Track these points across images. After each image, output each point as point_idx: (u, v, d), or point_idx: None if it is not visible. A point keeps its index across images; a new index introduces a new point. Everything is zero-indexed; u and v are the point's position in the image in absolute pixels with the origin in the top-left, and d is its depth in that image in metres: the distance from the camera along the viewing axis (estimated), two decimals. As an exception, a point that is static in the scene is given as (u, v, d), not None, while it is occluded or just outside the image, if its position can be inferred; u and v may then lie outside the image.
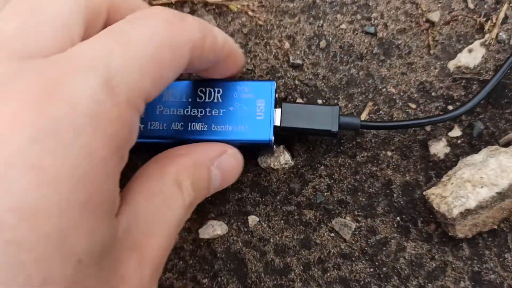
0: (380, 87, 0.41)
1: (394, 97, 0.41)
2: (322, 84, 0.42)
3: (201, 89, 0.30)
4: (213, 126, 0.30)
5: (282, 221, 0.40)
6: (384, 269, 0.39)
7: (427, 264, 0.38)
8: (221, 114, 0.30)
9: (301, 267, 0.39)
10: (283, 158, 0.40)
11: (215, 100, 0.30)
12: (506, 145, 0.40)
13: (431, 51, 0.42)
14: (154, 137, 0.29)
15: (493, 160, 0.38)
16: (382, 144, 0.40)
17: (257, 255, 0.40)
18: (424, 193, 0.39)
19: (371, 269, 0.39)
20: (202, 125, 0.29)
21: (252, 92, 0.30)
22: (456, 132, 0.40)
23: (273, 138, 0.32)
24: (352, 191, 0.40)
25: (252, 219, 0.40)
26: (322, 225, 0.40)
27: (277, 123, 0.32)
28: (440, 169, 0.40)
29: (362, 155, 0.40)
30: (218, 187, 0.29)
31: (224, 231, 0.40)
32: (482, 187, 0.36)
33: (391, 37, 0.42)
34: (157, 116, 0.29)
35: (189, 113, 0.29)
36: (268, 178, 0.41)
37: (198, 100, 0.29)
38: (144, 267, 0.22)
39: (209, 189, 0.28)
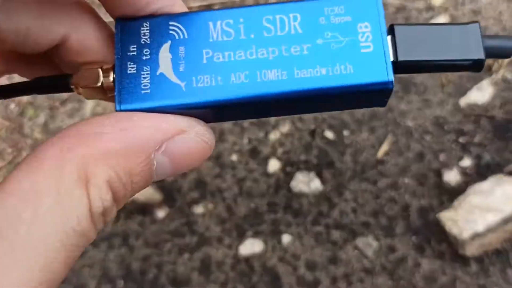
0: (398, 121, 0.47)
1: (411, 130, 0.47)
2: (348, 117, 0.47)
3: (267, 18, 0.19)
4: (295, 71, 0.19)
5: (312, 240, 0.46)
6: (402, 282, 0.44)
7: (440, 278, 0.44)
8: (305, 52, 0.19)
9: (328, 280, 0.45)
10: (313, 184, 0.45)
11: (293, 32, 0.19)
12: (510, 173, 0.45)
13: (444, 89, 0.47)
14: (204, 100, 0.19)
15: (499, 189, 0.43)
16: (401, 172, 0.46)
17: (290, 269, 0.45)
18: (437, 216, 0.44)
19: (391, 282, 0.44)
20: (277, 72, 0.19)
21: (348, 12, 0.20)
22: (466, 162, 0.46)
23: (393, 79, 0.20)
24: (374, 213, 0.46)
25: (286, 238, 0.46)
26: (347, 244, 0.45)
27: (392, 57, 0.20)
28: (452, 194, 0.45)
29: (382, 181, 0.46)
30: (168, 174, 0.20)
31: (261, 248, 0.46)
32: (488, 212, 0.42)
33: (408, 76, 0.48)
34: (205, 67, 0.19)
35: (254, 56, 0.19)
36: (300, 201, 0.46)
37: (266, 34, 0.19)
38: None
39: (149, 181, 0.19)
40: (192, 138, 0.19)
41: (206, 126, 0.20)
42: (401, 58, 0.19)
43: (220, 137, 0.48)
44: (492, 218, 0.42)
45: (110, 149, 0.17)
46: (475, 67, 0.19)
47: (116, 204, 0.17)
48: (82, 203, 0.16)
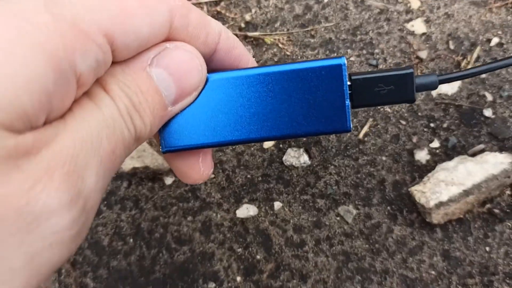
0: (379, 107, 0.54)
1: (389, 115, 0.54)
2: (334, 102, 0.54)
3: (257, 84, 0.26)
4: (278, 120, 0.27)
5: (300, 207, 0.52)
6: (377, 245, 0.51)
7: (409, 243, 0.51)
8: (286, 107, 0.27)
9: (313, 242, 0.51)
10: (302, 159, 0.52)
11: (277, 94, 0.26)
12: (473, 155, 0.52)
13: (419, 81, 0.54)
14: (211, 142, 0.27)
15: (462, 166, 0.50)
16: (379, 151, 0.53)
17: (280, 232, 0.52)
18: (409, 189, 0.51)
19: (367, 245, 0.51)
20: (264, 121, 0.27)
21: (319, 78, 0.26)
22: (435, 144, 0.53)
23: (351, 126, 0.29)
24: (354, 186, 0.52)
25: (277, 205, 0.52)
26: (330, 211, 0.52)
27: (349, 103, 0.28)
28: (423, 171, 0.52)
29: (363, 158, 0.53)
30: (178, 91, 0.23)
31: (255, 213, 0.52)
32: (452, 185, 0.49)
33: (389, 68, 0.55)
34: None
35: (246, 112, 0.27)
36: (290, 173, 0.53)
37: (257, 96, 0.26)
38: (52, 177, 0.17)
39: (160, 94, 0.22)
40: (174, 50, 0.23)
41: (181, 42, 0.23)
42: (356, 103, 0.28)
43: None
44: (455, 190, 0.48)
45: (115, 72, 0.21)
46: (410, 102, 0.29)
47: (140, 115, 0.21)
48: (108, 100, 0.20)
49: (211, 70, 0.26)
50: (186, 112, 0.25)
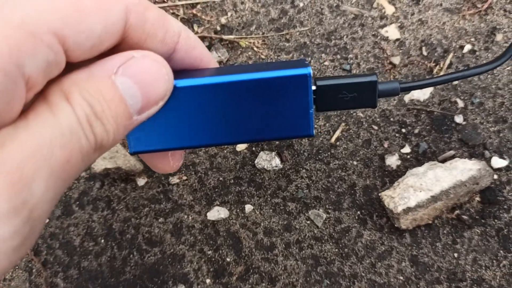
0: (351, 112, 0.54)
1: (361, 120, 0.54)
2: (307, 107, 0.54)
3: (224, 91, 0.27)
4: (243, 126, 0.27)
5: (271, 210, 0.52)
6: (346, 250, 0.51)
7: (378, 248, 0.51)
8: (251, 113, 0.27)
9: (283, 245, 0.51)
10: (274, 162, 0.52)
11: (243, 101, 0.27)
12: (443, 161, 0.52)
13: (392, 86, 0.55)
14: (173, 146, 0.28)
15: (431, 172, 0.50)
16: (350, 156, 0.53)
17: (250, 235, 0.52)
18: (379, 194, 0.51)
19: (336, 250, 0.51)
20: (229, 127, 0.27)
21: (285, 86, 0.26)
22: (406, 149, 0.53)
23: (314, 132, 0.30)
24: (325, 190, 0.52)
25: (248, 207, 0.52)
26: (301, 215, 0.52)
27: (313, 108, 0.28)
28: (393, 176, 0.53)
29: (334, 163, 0.53)
30: (144, 101, 0.23)
31: (226, 215, 0.52)
32: (421, 191, 0.49)
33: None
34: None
35: (213, 118, 0.27)
36: (262, 176, 0.53)
37: (223, 103, 0.27)
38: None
39: (124, 103, 0.22)
40: (141, 59, 0.23)
41: (149, 51, 0.23)
42: (320, 109, 0.29)
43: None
44: (423, 196, 0.49)
45: (80, 78, 0.21)
46: (372, 108, 0.30)
47: (101, 121, 0.21)
48: (67, 107, 0.20)
49: (172, 69, 0.25)
50: (153, 117, 0.25)
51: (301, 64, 0.26)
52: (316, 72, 0.55)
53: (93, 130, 0.21)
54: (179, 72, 0.27)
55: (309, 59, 0.55)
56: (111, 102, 0.21)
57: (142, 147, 0.27)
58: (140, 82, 0.22)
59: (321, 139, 0.54)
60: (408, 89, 0.31)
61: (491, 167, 0.52)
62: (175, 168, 0.30)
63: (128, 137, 0.26)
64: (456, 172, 0.50)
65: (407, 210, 0.49)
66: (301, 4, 0.57)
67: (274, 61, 0.56)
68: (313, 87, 0.28)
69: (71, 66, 0.21)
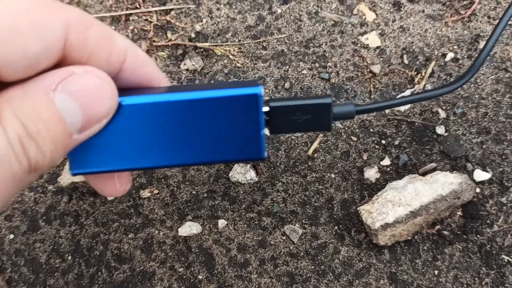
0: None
1: (340, 131, 0.52)
2: (284, 117, 0.52)
3: (171, 110, 0.25)
4: (192, 147, 0.26)
5: (245, 225, 0.50)
6: (323, 267, 0.49)
7: (356, 265, 0.49)
8: (200, 134, 0.26)
9: (257, 262, 0.49)
10: (249, 175, 0.50)
11: (192, 121, 0.25)
12: (424, 174, 0.50)
13: (372, 96, 0.53)
14: (123, 167, 0.26)
15: (411, 186, 0.48)
16: (328, 168, 0.51)
17: (224, 251, 0.50)
18: (357, 208, 0.49)
19: (312, 267, 0.49)
20: (177, 148, 0.26)
21: (235, 106, 0.25)
22: (386, 161, 0.51)
23: (266, 154, 0.28)
24: (302, 203, 0.51)
25: (222, 222, 0.50)
26: (276, 230, 0.50)
27: (266, 131, 0.28)
28: (372, 190, 0.51)
29: (312, 175, 0.51)
30: (85, 119, 0.22)
31: (199, 231, 0.50)
32: (399, 206, 0.47)
33: (341, 82, 0.53)
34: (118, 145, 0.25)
35: (159, 138, 0.25)
36: (237, 190, 0.51)
37: (170, 123, 0.25)
38: None
39: (63, 122, 0.21)
40: (83, 75, 0.22)
41: (91, 67, 0.22)
42: (273, 131, 0.28)
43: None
44: (401, 211, 0.47)
45: (14, 95, 0.20)
46: (327, 131, 0.30)
47: (36, 142, 0.20)
48: None
49: (118, 87, 0.24)
50: (96, 136, 0.24)
51: (253, 84, 0.25)
52: (294, 81, 0.53)
53: (26, 152, 0.19)
54: (126, 90, 0.25)
55: (287, 67, 0.53)
56: (48, 121, 0.20)
57: (84, 168, 0.25)
58: (80, 100, 0.21)
59: (298, 150, 0.52)
60: (364, 112, 0.30)
61: (474, 180, 0.50)
62: (122, 191, 0.28)
63: (69, 156, 0.25)
64: (437, 186, 0.48)
65: (385, 226, 0.47)
66: (279, 11, 0.55)
67: (252, 71, 0.53)
68: (266, 108, 0.27)
69: (6, 85, 0.20)
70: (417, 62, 0.53)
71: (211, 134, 0.26)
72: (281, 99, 0.27)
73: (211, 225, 0.51)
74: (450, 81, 0.33)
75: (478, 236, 0.49)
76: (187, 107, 0.25)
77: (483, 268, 0.48)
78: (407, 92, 0.53)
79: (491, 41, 0.37)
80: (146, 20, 0.55)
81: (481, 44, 0.53)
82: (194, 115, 0.25)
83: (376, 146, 0.51)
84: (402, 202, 0.47)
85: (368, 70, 0.53)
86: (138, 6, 0.54)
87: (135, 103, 0.24)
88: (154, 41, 0.54)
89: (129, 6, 0.55)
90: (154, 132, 0.25)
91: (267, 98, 0.32)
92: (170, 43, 0.54)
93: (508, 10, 0.38)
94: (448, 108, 0.52)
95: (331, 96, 0.28)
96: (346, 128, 0.52)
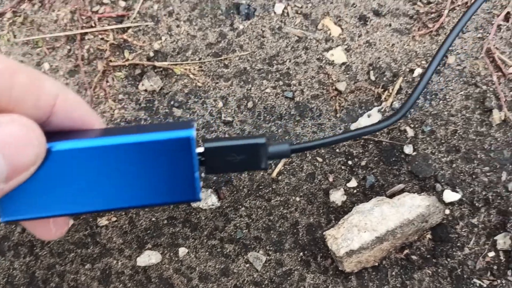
0: (295, 143, 0.50)
1: (305, 152, 0.50)
2: (248, 138, 0.50)
3: (102, 155, 0.25)
4: (128, 191, 0.25)
5: (207, 253, 0.48)
6: (288, 295, 0.47)
7: (322, 292, 0.47)
8: (133, 178, 0.25)
9: (220, 291, 0.48)
10: (210, 200, 0.48)
11: (124, 165, 0.25)
12: (391, 196, 0.49)
13: (338, 115, 0.51)
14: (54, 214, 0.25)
15: (378, 209, 0.46)
16: (293, 191, 0.49)
17: (185, 281, 0.48)
18: (323, 233, 0.47)
19: (277, 295, 0.47)
20: (109, 192, 0.25)
21: (167, 149, 0.25)
22: (353, 183, 0.49)
23: (201, 196, 0.29)
24: (266, 229, 0.49)
25: (182, 251, 0.48)
26: (239, 257, 0.48)
27: (199, 172, 0.27)
28: (339, 213, 0.49)
29: (276, 199, 0.49)
30: (10, 169, 0.21)
31: (158, 260, 0.48)
32: (365, 231, 0.45)
33: (306, 101, 0.51)
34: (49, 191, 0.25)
35: (91, 183, 0.25)
36: (198, 216, 0.49)
37: (102, 167, 0.25)
38: None
39: None
40: (7, 125, 0.21)
41: (15, 114, 0.22)
42: (208, 172, 0.28)
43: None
44: (367, 237, 0.45)
45: None
46: (263, 170, 0.31)
47: None
48: None
49: (49, 131, 0.24)
50: (26, 182, 0.23)
51: (187, 125, 0.25)
52: (257, 100, 0.51)
53: None
54: (58, 134, 0.25)
55: (250, 86, 0.51)
56: None
57: (16, 215, 0.24)
58: (4, 150, 0.21)
59: (262, 173, 0.50)
60: (299, 151, 0.33)
61: (443, 201, 0.48)
62: (59, 235, 0.28)
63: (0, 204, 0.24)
64: (404, 210, 0.46)
65: (350, 253, 0.45)
66: (241, 27, 0.52)
67: (214, 90, 0.51)
68: (201, 149, 0.27)
69: None
70: (384, 78, 0.51)
71: (145, 178, 0.25)
72: (216, 140, 0.28)
73: (171, 254, 0.48)
74: (390, 115, 0.33)
75: (449, 259, 0.47)
76: (119, 151, 0.25)
77: (454, 293, 0.46)
78: (374, 110, 0.51)
79: (426, 75, 0.37)
80: (102, 39, 0.52)
81: (450, 59, 0.51)
82: (126, 159, 0.25)
83: (343, 167, 0.50)
84: (368, 227, 0.45)
85: (334, 87, 0.51)
86: (93, 25, 0.52)
87: (65, 149, 0.24)
88: (110, 60, 0.52)
89: (84, 24, 0.52)
90: (86, 177, 0.25)
91: (210, 137, 0.32)
92: (127, 63, 0.51)
93: (438, 53, 0.38)
94: (416, 126, 0.50)
95: (266, 136, 0.28)
96: (312, 149, 0.50)
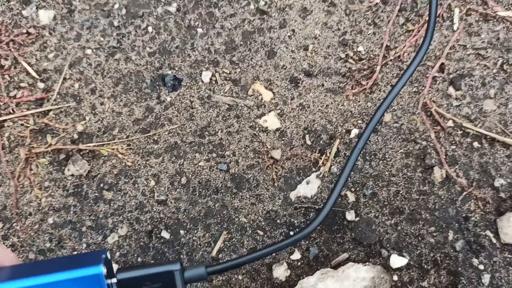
0: (233, 217, 0.48)
1: (245, 226, 0.48)
2: (184, 216, 0.48)
3: None
4: None
5: None
6: None
7: None
8: None
9: None
10: None
11: None
12: (337, 266, 0.47)
13: (276, 184, 0.49)
14: None
15: (322, 284, 0.44)
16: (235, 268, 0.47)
17: None
18: (268, 313, 0.45)
19: None
20: None
21: (79, 286, 0.25)
22: (296, 255, 0.47)
23: None
24: (208, 314, 0.46)
25: None
26: None
27: None
28: (284, 289, 0.47)
29: (218, 279, 0.47)
30: None
31: None
32: (309, 312, 0.43)
33: (241, 172, 0.49)
34: None
35: None
36: (136, 306, 0.46)
37: None
38: None
39: None
40: None
41: None
42: None
43: (58, 244, 0.48)
44: (311, 318, 0.43)
45: None
46: None
47: None
48: None
49: None
50: None
51: (96, 260, 0.25)
52: (190, 175, 0.49)
53: None
54: None
55: (182, 160, 0.49)
56: None
57: None
58: None
59: (201, 252, 0.47)
60: (216, 272, 0.30)
61: (391, 267, 0.46)
62: None
63: None
64: (348, 284, 0.44)
65: (295, 337, 0.43)
66: (168, 99, 0.50)
67: (145, 168, 0.49)
68: (114, 280, 0.26)
69: None
70: (321, 142, 0.49)
71: None
72: (130, 269, 0.27)
73: None
74: (306, 224, 0.33)
75: (400, 329, 0.45)
76: None
77: None
78: (312, 176, 0.49)
79: (346, 169, 0.36)
80: (22, 124, 0.50)
81: (386, 117, 0.49)
82: None
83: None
84: (311, 307, 0.43)
85: (269, 156, 0.49)
86: (12, 111, 0.49)
87: None
88: (33, 147, 0.49)
89: (2, 111, 0.49)
90: None
91: (125, 266, 0.30)
92: (50, 148, 0.49)
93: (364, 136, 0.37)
94: (357, 189, 0.48)
95: (181, 261, 0.28)
96: (251, 222, 0.48)
